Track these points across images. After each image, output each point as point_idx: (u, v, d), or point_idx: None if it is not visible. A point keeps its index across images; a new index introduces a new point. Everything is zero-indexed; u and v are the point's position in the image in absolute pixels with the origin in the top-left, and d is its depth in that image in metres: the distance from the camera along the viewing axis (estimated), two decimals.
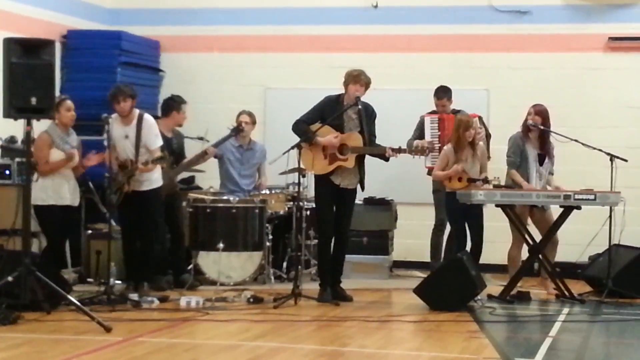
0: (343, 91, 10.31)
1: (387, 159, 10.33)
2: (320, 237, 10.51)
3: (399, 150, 10.26)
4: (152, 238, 10.53)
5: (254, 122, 11.89)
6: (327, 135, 10.16)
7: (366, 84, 10.24)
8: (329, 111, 10.23)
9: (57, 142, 10.10)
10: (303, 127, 10.19)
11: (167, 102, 11.53)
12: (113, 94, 10.41)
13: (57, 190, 10.06)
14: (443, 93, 11.90)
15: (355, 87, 10.19)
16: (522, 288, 10.73)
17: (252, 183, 11.92)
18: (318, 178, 10.32)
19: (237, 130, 11.58)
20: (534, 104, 10.99)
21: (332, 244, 10.33)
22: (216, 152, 11.57)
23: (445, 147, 10.78)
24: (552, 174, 10.93)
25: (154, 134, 10.47)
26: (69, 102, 10.19)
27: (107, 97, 10.49)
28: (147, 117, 10.51)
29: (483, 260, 10.84)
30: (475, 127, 10.62)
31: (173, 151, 11.16)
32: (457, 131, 10.58)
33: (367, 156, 10.33)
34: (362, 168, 10.30)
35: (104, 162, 10.12)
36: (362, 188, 10.39)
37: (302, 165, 10.18)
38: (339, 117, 10.21)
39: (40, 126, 9.73)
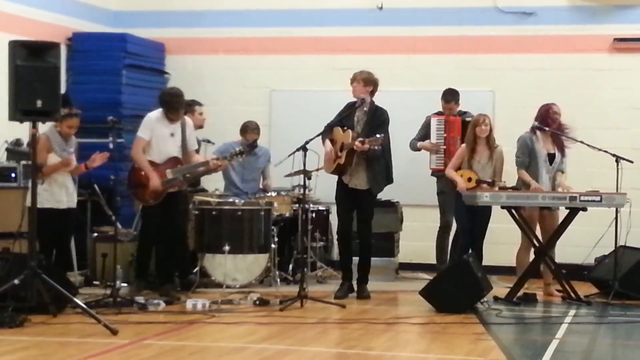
0: (350, 93, 10.42)
1: (368, 156, 10.27)
2: (337, 235, 10.75)
3: (362, 142, 10.12)
4: (179, 239, 10.57)
5: (258, 132, 11.92)
6: (335, 140, 10.39)
7: (363, 80, 10.37)
8: (345, 114, 10.43)
9: (56, 149, 10.00)
10: (324, 131, 10.46)
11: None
12: (185, 105, 10.44)
13: (54, 193, 9.98)
14: (451, 96, 11.91)
15: (352, 87, 10.38)
16: (529, 290, 10.72)
17: (256, 187, 11.94)
18: (337, 179, 10.56)
19: (252, 147, 11.57)
20: (551, 103, 10.92)
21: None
22: (226, 164, 11.56)
23: (462, 145, 10.88)
24: (563, 172, 10.88)
25: (194, 137, 10.63)
26: (75, 120, 10.05)
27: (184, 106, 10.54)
28: (189, 120, 10.58)
29: (489, 262, 10.86)
30: (486, 122, 10.64)
31: None
32: (471, 129, 10.71)
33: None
34: (372, 168, 10.34)
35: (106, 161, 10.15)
36: (371, 190, 10.41)
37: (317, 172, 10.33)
38: (349, 119, 10.38)
39: (45, 129, 9.71)
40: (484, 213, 10.64)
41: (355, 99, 10.49)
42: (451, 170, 10.83)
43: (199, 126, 11.33)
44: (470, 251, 10.45)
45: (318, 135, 10.34)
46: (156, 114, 10.42)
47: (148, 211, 10.40)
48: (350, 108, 10.49)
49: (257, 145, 11.71)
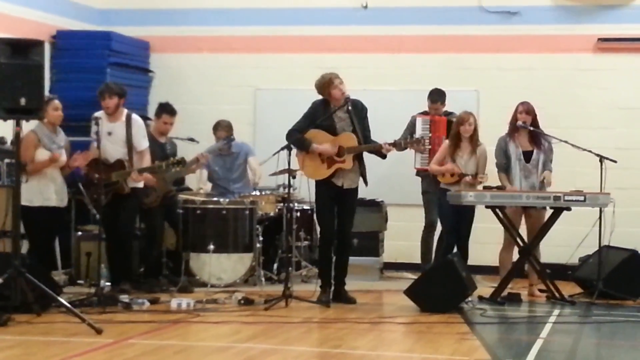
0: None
1: (384, 156, 10.29)
2: (322, 240, 10.38)
3: (394, 145, 10.22)
4: (131, 236, 10.54)
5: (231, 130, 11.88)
6: (323, 142, 10.10)
7: (341, 81, 10.20)
8: (320, 115, 10.17)
9: (45, 142, 10.01)
10: (298, 136, 10.08)
11: (157, 107, 11.54)
12: (100, 91, 10.45)
13: (43, 191, 9.97)
14: (437, 96, 11.90)
15: (338, 91, 10.12)
16: (513, 289, 10.74)
17: (246, 184, 11.91)
18: (318, 182, 10.24)
19: (229, 140, 11.53)
20: (520, 102, 10.99)
21: (335, 246, 10.31)
22: (209, 158, 11.53)
23: (445, 141, 10.90)
24: (550, 170, 10.90)
25: (142, 135, 10.49)
26: (56, 102, 10.12)
27: (96, 93, 10.51)
28: (135, 117, 10.53)
29: (474, 261, 10.87)
30: (470, 121, 10.66)
31: (167, 156, 11.16)
32: (455, 127, 10.77)
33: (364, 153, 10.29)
34: (362, 164, 10.26)
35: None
36: (365, 183, 10.30)
37: (301, 173, 10.18)
38: (330, 119, 10.18)
39: (29, 127, 9.68)
40: (469, 212, 10.67)
41: (324, 98, 10.22)
42: (434, 165, 10.89)
43: (160, 133, 11.27)
44: (455, 250, 10.47)
45: (300, 145, 10.12)
46: (100, 113, 10.38)
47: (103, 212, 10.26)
48: (322, 108, 10.20)
49: (233, 139, 11.65)
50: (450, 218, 10.70)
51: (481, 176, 10.64)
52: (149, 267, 10.95)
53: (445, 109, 11.96)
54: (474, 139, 10.75)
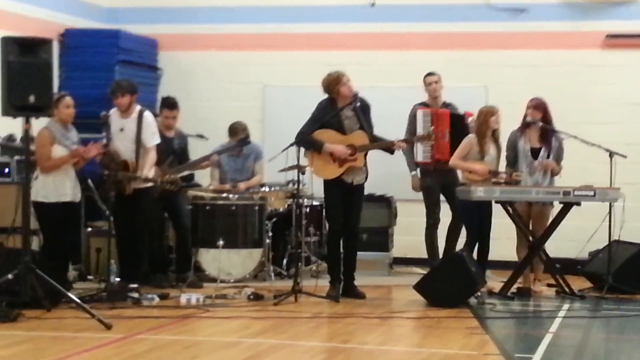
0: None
1: (392, 152, 10.34)
2: (330, 235, 10.45)
3: (406, 141, 10.29)
4: (144, 236, 10.55)
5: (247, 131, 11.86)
6: (334, 142, 10.10)
7: (349, 78, 10.22)
8: (330, 115, 10.17)
9: (59, 138, 10.02)
10: (309, 139, 10.09)
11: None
12: (112, 90, 10.50)
13: (59, 187, 9.95)
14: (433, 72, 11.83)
15: (346, 88, 10.15)
16: (524, 284, 10.73)
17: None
18: (328, 180, 10.25)
19: (245, 142, 11.52)
20: (531, 98, 10.99)
21: (342, 242, 10.32)
22: (219, 159, 11.55)
23: (469, 136, 10.79)
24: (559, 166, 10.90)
25: (151, 132, 10.51)
26: (68, 99, 10.12)
27: (108, 92, 10.54)
28: (147, 114, 10.57)
29: None
30: (499, 113, 10.65)
31: (174, 151, 11.18)
32: (479, 118, 10.68)
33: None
34: (366, 162, 10.31)
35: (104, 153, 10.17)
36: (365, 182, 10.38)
37: (313, 172, 10.21)
38: (337, 117, 10.19)
39: (38, 124, 9.70)
40: (488, 207, 10.63)
41: (329, 97, 10.24)
42: (459, 161, 10.72)
43: (165, 127, 11.26)
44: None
45: (311, 146, 10.14)
46: (113, 110, 10.46)
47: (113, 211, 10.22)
48: (330, 107, 10.19)
49: (249, 142, 11.65)
50: (473, 213, 10.61)
51: (517, 174, 10.55)
52: (151, 261, 10.91)
53: (444, 99, 11.83)
54: (495, 135, 10.73)
